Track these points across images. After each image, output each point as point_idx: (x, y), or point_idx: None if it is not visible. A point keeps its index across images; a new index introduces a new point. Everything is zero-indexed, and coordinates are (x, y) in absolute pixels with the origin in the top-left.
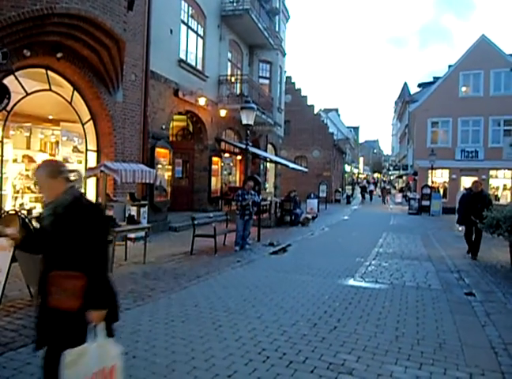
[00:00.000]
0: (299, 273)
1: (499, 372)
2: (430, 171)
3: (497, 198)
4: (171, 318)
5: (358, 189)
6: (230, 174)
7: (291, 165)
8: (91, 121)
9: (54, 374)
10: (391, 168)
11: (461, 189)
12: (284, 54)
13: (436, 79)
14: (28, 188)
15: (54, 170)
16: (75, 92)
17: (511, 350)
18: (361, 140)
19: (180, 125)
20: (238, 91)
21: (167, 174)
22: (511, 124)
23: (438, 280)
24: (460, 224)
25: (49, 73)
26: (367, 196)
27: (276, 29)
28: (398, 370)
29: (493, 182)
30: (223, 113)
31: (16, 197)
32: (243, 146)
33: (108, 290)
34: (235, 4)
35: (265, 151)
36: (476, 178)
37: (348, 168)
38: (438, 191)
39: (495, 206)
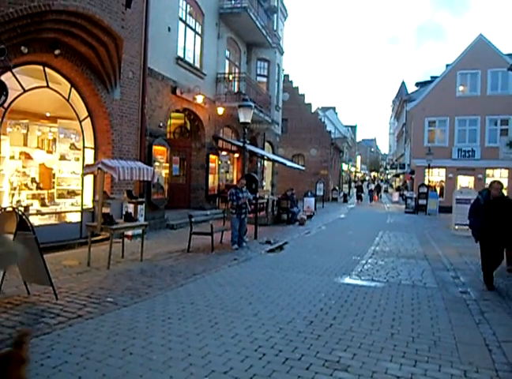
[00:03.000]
0: (295, 271)
1: (493, 369)
2: (427, 170)
3: None
4: (168, 315)
5: (354, 190)
6: (227, 172)
7: (289, 163)
8: (88, 119)
9: None
10: (388, 167)
11: (458, 187)
12: (281, 53)
13: (433, 78)
14: (25, 185)
15: None
16: (72, 89)
17: (505, 347)
18: (358, 138)
19: (178, 123)
20: (235, 89)
21: (165, 172)
22: (508, 123)
23: (433, 279)
24: (478, 241)
25: (46, 69)
26: (367, 196)
27: (274, 27)
28: (393, 367)
29: (489, 182)
30: (220, 111)
31: (13, 194)
32: (241, 144)
33: None
34: (233, 2)
35: (263, 149)
36: (490, 179)
37: (345, 167)
38: (435, 190)
39: None
